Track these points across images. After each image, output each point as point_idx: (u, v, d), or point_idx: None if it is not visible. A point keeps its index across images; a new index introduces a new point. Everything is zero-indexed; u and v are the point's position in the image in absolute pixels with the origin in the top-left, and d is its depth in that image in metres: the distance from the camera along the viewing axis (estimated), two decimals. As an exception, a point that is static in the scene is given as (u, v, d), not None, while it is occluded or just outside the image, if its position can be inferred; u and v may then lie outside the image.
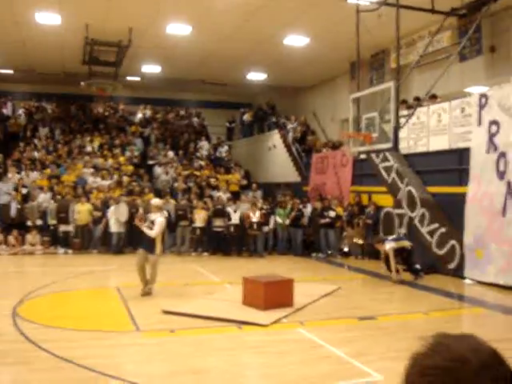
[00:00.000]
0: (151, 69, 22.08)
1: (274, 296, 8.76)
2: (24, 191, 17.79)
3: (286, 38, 17.51)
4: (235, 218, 16.57)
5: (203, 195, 18.79)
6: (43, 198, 17.13)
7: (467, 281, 11.80)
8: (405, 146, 13.90)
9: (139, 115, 25.85)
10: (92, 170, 19.94)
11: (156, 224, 9.80)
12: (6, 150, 20.90)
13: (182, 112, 27.35)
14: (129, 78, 22.97)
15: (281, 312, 8.44)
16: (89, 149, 22.06)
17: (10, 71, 22.48)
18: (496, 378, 1.03)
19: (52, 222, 16.60)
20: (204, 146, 24.72)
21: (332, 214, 16.31)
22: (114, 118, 25.59)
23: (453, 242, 12.47)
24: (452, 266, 12.46)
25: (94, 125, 24.50)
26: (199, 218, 16.57)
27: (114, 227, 16.20)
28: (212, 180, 21.11)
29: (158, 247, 9.90)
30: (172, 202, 17.47)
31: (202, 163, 22.76)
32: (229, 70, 21.89)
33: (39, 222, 16.66)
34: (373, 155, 15.01)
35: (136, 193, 18.48)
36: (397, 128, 10.81)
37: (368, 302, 9.87)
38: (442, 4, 11.67)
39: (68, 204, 16.74)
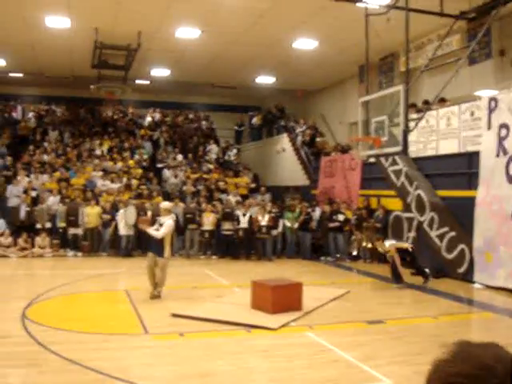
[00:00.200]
0: (160, 72, 22.15)
1: (282, 300, 8.75)
2: (33, 194, 17.89)
3: (295, 42, 17.52)
4: (244, 222, 16.58)
5: (212, 198, 18.83)
6: (52, 201, 17.20)
7: (476, 285, 11.73)
8: (414, 150, 13.86)
9: (148, 118, 25.89)
10: (101, 173, 20.01)
11: (164, 226, 9.84)
12: (16, 153, 21.02)
13: (191, 115, 27.37)
14: (138, 82, 23.04)
15: (289, 316, 8.43)
16: (98, 152, 22.15)
17: (20, 74, 22.62)
18: None
19: (61, 224, 16.66)
20: (213, 150, 24.72)
21: (341, 217, 16.27)
22: (123, 121, 25.65)
23: (462, 245, 12.40)
24: (461, 270, 12.40)
25: (103, 128, 24.58)
26: (208, 221, 16.61)
27: (123, 230, 16.24)
28: (221, 183, 21.12)
29: (167, 250, 9.91)
30: (181, 205, 17.48)
31: (211, 166, 22.76)
32: (238, 74, 21.95)
33: (48, 225, 16.72)
34: (382, 159, 14.95)
35: (145, 196, 18.53)
36: (406, 131, 10.77)
37: (377, 305, 9.83)
38: (451, 7, 11.65)
39: (77, 207, 16.81)
